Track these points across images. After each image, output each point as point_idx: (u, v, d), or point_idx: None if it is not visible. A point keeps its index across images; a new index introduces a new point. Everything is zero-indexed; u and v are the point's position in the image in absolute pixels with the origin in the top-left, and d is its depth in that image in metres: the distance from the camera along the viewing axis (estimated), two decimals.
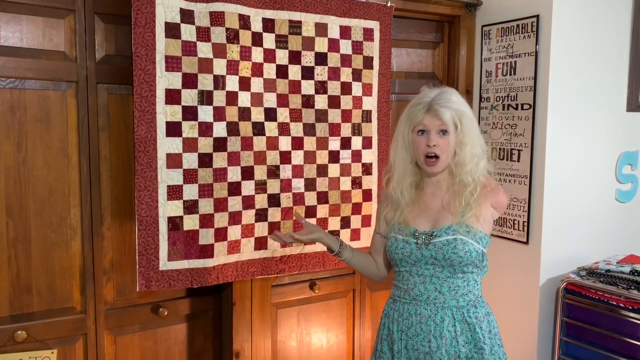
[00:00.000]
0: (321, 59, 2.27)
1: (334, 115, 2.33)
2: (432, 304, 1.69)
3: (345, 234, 2.41)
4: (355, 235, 2.44)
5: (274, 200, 2.22)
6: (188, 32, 1.98)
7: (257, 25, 2.12)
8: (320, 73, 2.28)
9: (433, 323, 1.68)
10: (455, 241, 1.65)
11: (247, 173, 2.15)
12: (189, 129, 2.01)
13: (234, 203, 2.12)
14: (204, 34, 2.01)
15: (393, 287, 1.82)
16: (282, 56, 2.19)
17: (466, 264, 1.67)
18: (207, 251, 2.07)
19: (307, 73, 2.25)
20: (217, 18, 2.02)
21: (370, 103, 2.41)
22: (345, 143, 2.37)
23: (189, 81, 1.99)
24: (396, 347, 1.74)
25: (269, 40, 2.16)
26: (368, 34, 2.37)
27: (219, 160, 2.08)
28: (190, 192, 2.03)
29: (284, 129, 2.22)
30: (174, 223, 2.01)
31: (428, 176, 1.76)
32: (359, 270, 1.95)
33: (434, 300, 1.69)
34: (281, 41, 2.18)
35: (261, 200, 2.19)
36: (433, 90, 1.73)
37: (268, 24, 2.15)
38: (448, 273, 1.68)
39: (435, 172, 1.73)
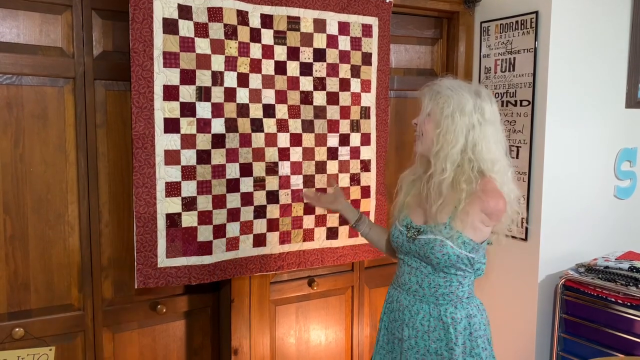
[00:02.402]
0: (320, 55, 2.26)
1: (333, 112, 2.32)
2: (412, 295, 1.72)
3: (343, 231, 2.41)
4: (354, 231, 2.44)
5: (272, 197, 2.22)
6: (186, 28, 1.97)
7: (255, 21, 2.11)
8: (319, 69, 2.27)
9: (409, 313, 1.72)
10: (434, 242, 1.64)
11: (246, 170, 2.14)
12: (187, 126, 2.00)
13: (233, 200, 2.12)
14: (202, 30, 2.00)
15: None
16: (280, 52, 2.18)
17: (445, 265, 1.65)
18: (205, 248, 2.07)
19: (306, 69, 2.24)
20: (215, 14, 2.01)
21: (368, 99, 2.41)
22: (344, 140, 2.36)
23: (187, 77, 1.98)
24: (381, 326, 1.85)
25: (267, 37, 2.15)
26: (367, 30, 2.36)
27: (218, 156, 2.07)
28: (189, 188, 2.02)
29: (282, 126, 2.21)
30: (172, 220, 2.00)
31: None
32: (373, 244, 2.01)
33: (414, 292, 1.72)
34: (280, 37, 2.17)
35: (260, 197, 2.19)
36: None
37: (266, 20, 2.14)
38: (430, 270, 1.69)
39: (418, 152, 1.73)
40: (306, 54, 2.23)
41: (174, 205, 2.00)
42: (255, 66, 2.13)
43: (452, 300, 1.68)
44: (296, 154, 2.24)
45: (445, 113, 1.62)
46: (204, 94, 2.02)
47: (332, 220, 2.38)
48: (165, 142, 1.96)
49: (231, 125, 2.09)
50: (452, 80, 1.69)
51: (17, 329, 1.95)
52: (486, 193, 1.60)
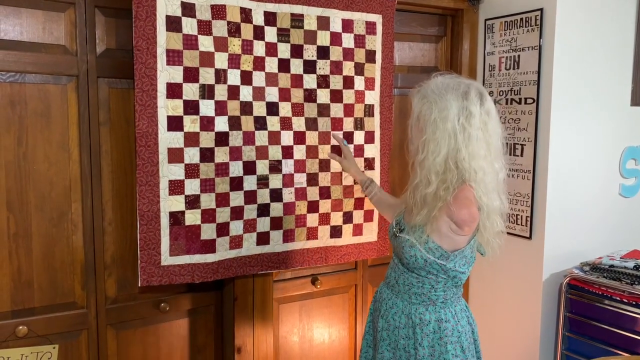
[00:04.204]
0: (323, 52, 2.25)
1: (336, 110, 2.31)
2: (390, 289, 1.78)
3: (347, 229, 2.40)
4: (358, 230, 2.43)
5: (276, 195, 2.21)
6: (189, 26, 1.96)
7: (258, 19, 2.10)
8: (322, 67, 2.26)
9: (385, 306, 1.77)
10: (406, 242, 1.66)
11: (249, 168, 2.14)
12: (191, 124, 2.00)
13: (236, 198, 2.11)
14: (205, 28, 1.99)
15: None
16: (284, 50, 2.17)
17: (414, 267, 1.66)
18: (208, 246, 2.07)
19: (309, 67, 2.23)
20: (218, 11, 2.00)
21: (372, 97, 2.40)
22: (348, 138, 2.36)
23: (190, 75, 1.97)
24: (369, 313, 1.93)
25: (270, 34, 2.14)
26: (370, 27, 2.35)
27: (221, 154, 2.06)
28: (192, 187, 2.02)
29: (286, 124, 2.20)
30: (176, 218, 2.00)
31: None
32: (378, 208, 2.22)
33: (392, 287, 1.77)
34: (283, 35, 2.16)
35: (263, 195, 2.18)
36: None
37: (270, 18, 2.13)
38: (405, 268, 1.71)
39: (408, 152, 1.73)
40: (310, 52, 2.22)
41: (177, 203, 1.99)
42: (259, 64, 2.12)
43: (424, 301, 1.69)
44: (300, 152, 2.24)
45: (428, 120, 1.59)
46: (207, 91, 2.01)
47: (336, 219, 2.37)
48: (168, 140, 1.96)
49: (235, 123, 2.09)
50: (442, 79, 1.63)
51: (20, 327, 1.95)
52: (455, 201, 1.56)
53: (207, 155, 2.03)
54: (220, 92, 2.04)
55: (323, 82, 2.27)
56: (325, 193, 2.33)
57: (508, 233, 2.65)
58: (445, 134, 1.56)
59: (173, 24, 1.93)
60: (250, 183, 2.14)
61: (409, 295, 1.70)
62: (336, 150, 2.30)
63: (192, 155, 2.01)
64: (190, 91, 1.98)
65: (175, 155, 1.98)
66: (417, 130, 1.64)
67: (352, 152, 2.32)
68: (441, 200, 1.57)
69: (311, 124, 2.26)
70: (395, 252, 1.78)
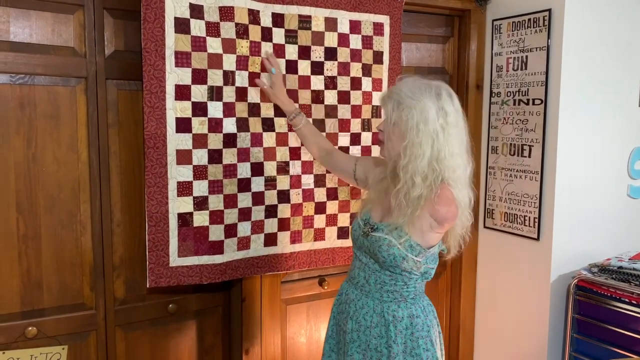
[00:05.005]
0: (331, 54, 2.25)
1: (344, 111, 2.31)
2: (359, 290, 1.77)
3: None
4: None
5: (283, 197, 2.21)
6: (197, 28, 1.96)
7: (266, 20, 2.11)
8: (330, 68, 2.26)
9: (354, 307, 1.77)
10: (383, 241, 1.66)
11: (257, 169, 2.14)
12: (199, 125, 2.00)
13: (244, 199, 2.11)
14: (213, 29, 1.99)
15: None
16: (291, 51, 2.17)
17: (391, 265, 1.66)
18: (217, 247, 2.07)
19: (317, 68, 2.23)
20: (226, 13, 2.01)
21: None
22: (355, 139, 2.35)
23: (199, 77, 1.98)
24: (331, 317, 1.91)
25: (278, 36, 2.14)
26: (378, 28, 2.35)
27: (229, 156, 2.07)
28: (200, 188, 2.02)
29: None
30: (184, 219, 2.00)
31: None
32: (303, 141, 2.15)
33: (361, 287, 1.77)
34: (291, 36, 2.16)
35: (271, 197, 2.18)
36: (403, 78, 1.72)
37: (277, 19, 2.13)
38: (377, 267, 1.72)
39: (383, 157, 1.74)
40: (317, 53, 2.22)
41: (185, 204, 2.00)
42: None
43: (396, 298, 1.71)
44: (307, 153, 2.24)
45: (409, 125, 1.61)
46: (215, 93, 2.02)
47: (343, 220, 2.37)
48: (177, 141, 1.96)
49: (242, 125, 2.09)
50: (412, 83, 1.66)
51: (30, 328, 1.95)
52: (438, 199, 1.60)
53: (215, 156, 2.04)
54: (229, 93, 2.05)
55: (331, 83, 2.27)
56: (332, 194, 2.33)
57: (516, 234, 2.64)
58: (428, 136, 1.59)
59: (181, 25, 1.93)
60: (258, 184, 2.14)
61: (381, 293, 1.72)
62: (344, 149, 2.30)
63: (200, 156, 2.01)
64: (199, 93, 1.98)
65: (183, 157, 1.98)
66: (396, 136, 1.65)
67: (283, 80, 2.14)
68: (424, 199, 1.61)
69: (318, 125, 2.26)
70: (364, 252, 1.75)
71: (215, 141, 2.03)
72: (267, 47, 2.11)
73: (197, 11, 1.95)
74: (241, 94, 2.07)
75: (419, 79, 1.69)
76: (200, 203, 2.02)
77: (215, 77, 2.01)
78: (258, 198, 2.15)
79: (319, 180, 2.29)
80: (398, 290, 1.71)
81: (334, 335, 1.89)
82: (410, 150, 1.60)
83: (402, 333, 1.70)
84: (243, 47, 2.05)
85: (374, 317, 1.72)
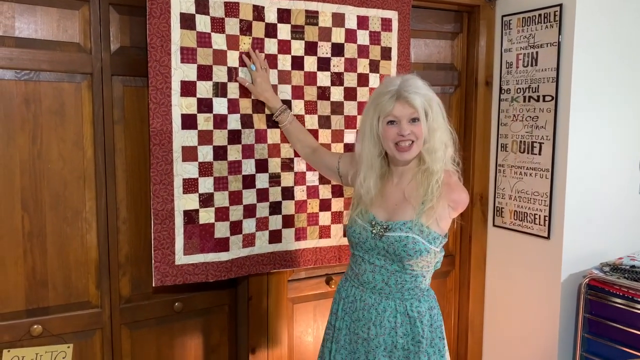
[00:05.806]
0: (338, 49, 2.22)
1: (350, 108, 2.29)
2: (377, 293, 1.72)
3: None
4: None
5: (288, 193, 2.19)
6: (203, 23, 1.94)
7: (271, 16, 2.08)
8: (337, 64, 2.24)
9: (375, 312, 1.72)
10: (407, 239, 1.63)
11: (262, 166, 2.12)
12: (204, 122, 1.98)
13: (249, 196, 2.10)
14: (218, 25, 1.98)
15: (348, 266, 1.87)
16: (297, 47, 2.15)
17: (416, 262, 1.65)
18: (222, 245, 2.05)
19: (323, 64, 2.21)
20: (231, 9, 1.99)
21: None
22: None
23: (204, 73, 1.96)
24: (337, 325, 1.82)
25: (284, 31, 2.12)
26: (386, 24, 2.32)
27: (234, 152, 2.05)
28: (206, 185, 2.00)
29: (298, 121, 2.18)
30: (190, 216, 1.98)
31: (395, 165, 1.75)
32: (288, 139, 2.13)
33: (379, 290, 1.72)
34: (297, 32, 2.14)
35: (275, 193, 2.17)
36: (397, 77, 1.72)
37: (284, 15, 2.11)
38: (397, 267, 1.68)
39: (407, 160, 1.70)
40: (324, 49, 2.20)
41: (191, 201, 1.98)
42: (271, 62, 2.10)
43: (417, 294, 1.71)
44: None
45: (440, 116, 1.67)
46: (220, 89, 2.00)
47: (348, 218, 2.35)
48: (182, 138, 1.95)
49: (247, 121, 2.07)
50: (413, 79, 1.70)
51: (35, 326, 1.94)
52: (452, 187, 1.67)
53: (220, 153, 2.02)
54: (233, 90, 2.03)
55: (337, 79, 2.24)
56: (337, 191, 2.30)
57: (526, 233, 2.61)
58: (446, 126, 1.68)
59: (187, 21, 1.91)
60: (262, 181, 2.13)
61: (402, 292, 1.70)
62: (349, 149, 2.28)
63: (205, 153, 1.99)
64: (204, 89, 1.97)
65: (189, 154, 1.96)
66: (431, 129, 1.65)
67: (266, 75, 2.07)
68: (440, 188, 1.65)
69: (324, 122, 2.24)
70: (376, 254, 1.70)
71: (220, 137, 2.01)
72: (270, 44, 2.09)
73: (202, 6, 1.94)
74: (245, 90, 2.06)
75: (413, 75, 1.74)
76: (206, 200, 2.01)
77: (220, 74, 1.99)
78: (262, 195, 2.13)
79: (324, 178, 2.27)
80: (418, 285, 1.71)
81: (347, 346, 1.79)
82: (442, 141, 1.66)
83: (426, 326, 1.71)
84: (245, 43, 2.03)
85: (398, 317, 1.70)
